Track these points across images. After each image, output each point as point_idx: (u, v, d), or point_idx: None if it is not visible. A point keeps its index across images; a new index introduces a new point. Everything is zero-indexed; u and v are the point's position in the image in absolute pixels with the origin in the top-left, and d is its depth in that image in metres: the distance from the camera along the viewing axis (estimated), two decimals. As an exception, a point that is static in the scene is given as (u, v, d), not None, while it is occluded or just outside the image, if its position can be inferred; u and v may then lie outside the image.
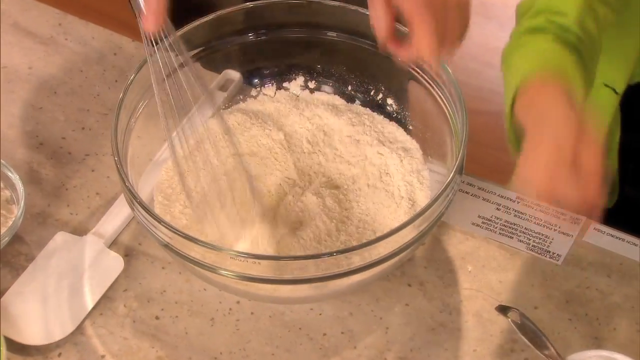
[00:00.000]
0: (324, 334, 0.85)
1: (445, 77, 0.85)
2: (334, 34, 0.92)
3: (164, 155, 0.91)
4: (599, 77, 0.85)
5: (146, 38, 0.76)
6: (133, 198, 0.78)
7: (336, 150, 0.92)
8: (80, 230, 0.91)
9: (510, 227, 0.91)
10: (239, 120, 0.93)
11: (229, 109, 0.96)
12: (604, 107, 0.94)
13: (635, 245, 0.90)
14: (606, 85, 0.93)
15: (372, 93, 0.96)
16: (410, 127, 0.93)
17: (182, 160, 0.82)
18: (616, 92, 0.93)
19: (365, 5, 0.78)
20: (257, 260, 0.75)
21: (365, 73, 0.95)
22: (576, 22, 0.80)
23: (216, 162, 0.85)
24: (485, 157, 0.84)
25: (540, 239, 0.90)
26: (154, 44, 0.76)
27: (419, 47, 0.71)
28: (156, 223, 0.77)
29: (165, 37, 0.76)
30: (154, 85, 0.79)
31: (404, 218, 0.86)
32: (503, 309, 0.83)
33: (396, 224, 0.83)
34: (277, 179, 0.90)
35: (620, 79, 0.93)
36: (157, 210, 0.87)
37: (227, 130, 0.85)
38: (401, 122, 0.94)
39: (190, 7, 0.91)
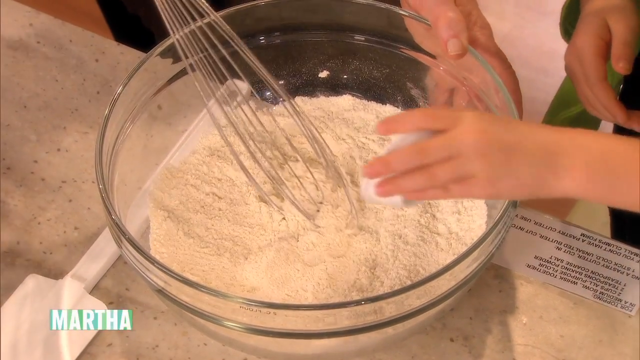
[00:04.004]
0: (349, 399, 0.85)
1: (495, 87, 0.85)
2: (362, 37, 0.93)
3: (155, 183, 0.91)
4: None
5: None
6: (120, 234, 0.78)
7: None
8: (55, 273, 0.92)
9: (573, 271, 0.91)
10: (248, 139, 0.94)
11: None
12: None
13: None
14: None
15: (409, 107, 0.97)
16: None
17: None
18: None
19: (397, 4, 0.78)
20: (271, 310, 0.75)
21: (399, 84, 0.96)
22: None
23: None
24: (541, 185, 0.83)
25: (609, 284, 0.90)
26: None
27: None
28: (148, 264, 0.77)
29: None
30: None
31: (447, 259, 0.86)
32: (568, 368, 0.83)
33: (437, 267, 0.83)
34: (289, 208, 0.90)
35: None
36: (152, 246, 0.87)
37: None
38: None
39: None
